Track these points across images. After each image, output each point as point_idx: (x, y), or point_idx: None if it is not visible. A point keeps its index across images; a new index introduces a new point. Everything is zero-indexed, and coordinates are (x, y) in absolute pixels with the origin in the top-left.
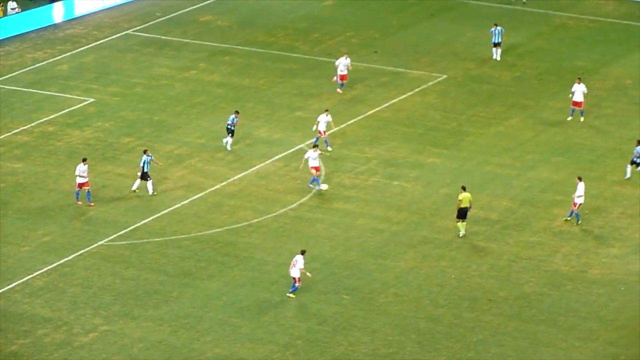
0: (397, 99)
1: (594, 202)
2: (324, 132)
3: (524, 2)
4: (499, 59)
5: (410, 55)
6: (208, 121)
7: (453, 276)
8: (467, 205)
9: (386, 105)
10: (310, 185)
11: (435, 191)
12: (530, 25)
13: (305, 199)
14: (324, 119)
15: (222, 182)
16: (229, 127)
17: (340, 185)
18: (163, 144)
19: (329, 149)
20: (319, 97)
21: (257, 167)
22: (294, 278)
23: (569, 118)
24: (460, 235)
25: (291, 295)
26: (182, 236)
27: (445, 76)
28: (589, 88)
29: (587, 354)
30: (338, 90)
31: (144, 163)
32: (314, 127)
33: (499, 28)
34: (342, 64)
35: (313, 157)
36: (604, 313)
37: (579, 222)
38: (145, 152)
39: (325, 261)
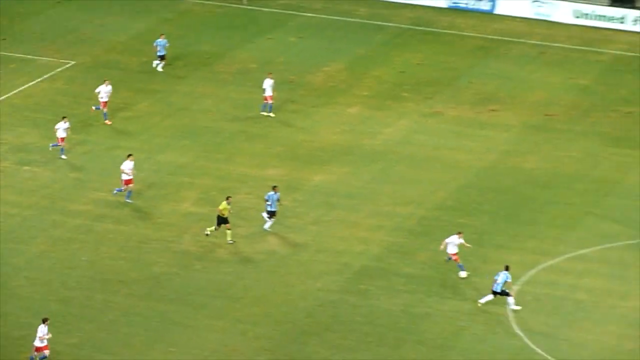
0: (26, 86)
1: (221, 183)
2: None
3: None
4: (160, 70)
5: (38, 42)
6: None
7: (84, 258)
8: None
9: (15, 92)
10: None
11: (65, 176)
12: (157, 11)
13: None
14: None
15: None
16: None
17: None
18: None
19: None
20: None
21: None
22: None
23: (263, 113)
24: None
25: None
26: None
27: (73, 62)
28: (215, 72)
29: (216, 330)
30: None
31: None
32: None
33: (163, 40)
34: None
35: None
36: (232, 291)
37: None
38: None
39: None
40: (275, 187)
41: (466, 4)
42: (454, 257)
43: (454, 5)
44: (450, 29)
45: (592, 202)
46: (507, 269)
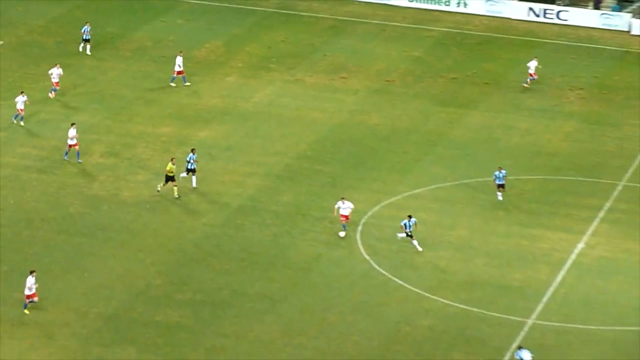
0: None
1: (124, 140)
2: None
3: None
4: (89, 53)
5: None
6: None
7: (12, 201)
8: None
9: None
10: None
11: None
12: None
13: None
14: None
15: None
16: None
17: None
18: None
19: None
20: None
21: None
22: None
23: (172, 84)
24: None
25: None
26: None
27: (1, 42)
28: (117, 49)
29: (121, 259)
30: None
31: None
32: None
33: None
34: None
35: None
36: (133, 227)
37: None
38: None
39: None
40: (193, 149)
41: None
42: (343, 219)
43: None
44: (308, 12)
45: (424, 151)
46: (409, 217)
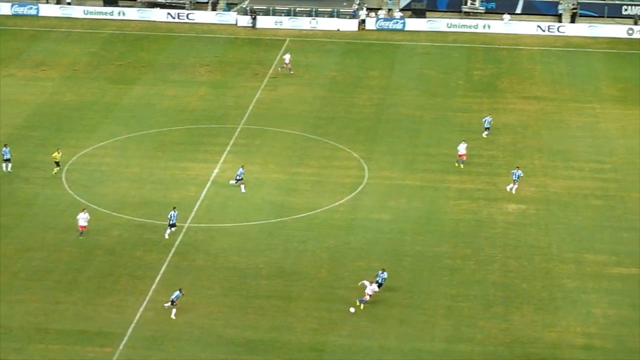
0: None
1: None
2: None
3: None
4: None
5: None
6: None
7: None
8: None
9: None
10: None
11: None
12: None
13: None
14: None
15: None
16: None
17: None
18: None
19: None
20: None
21: None
22: None
23: None
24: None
25: None
26: None
27: None
28: None
29: None
30: None
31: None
32: None
33: None
34: None
35: None
36: None
37: None
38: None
39: None
40: None
41: None
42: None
43: None
44: (14, 26)
45: (104, 116)
46: (174, 208)
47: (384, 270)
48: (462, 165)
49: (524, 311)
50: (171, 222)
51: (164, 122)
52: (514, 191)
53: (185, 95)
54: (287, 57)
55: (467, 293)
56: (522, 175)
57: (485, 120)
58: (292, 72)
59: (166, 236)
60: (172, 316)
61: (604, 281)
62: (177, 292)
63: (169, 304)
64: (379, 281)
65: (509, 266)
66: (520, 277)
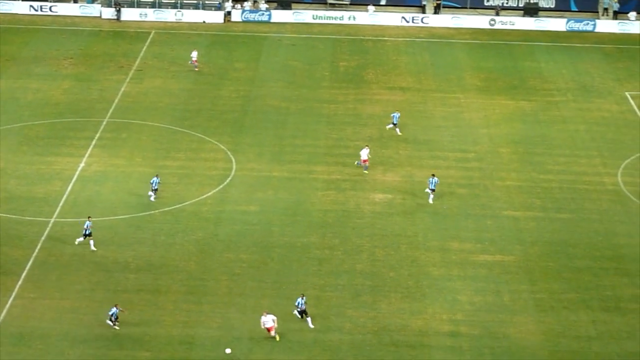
0: None
1: None
2: None
3: None
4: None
5: None
6: None
7: None
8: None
9: None
10: None
11: None
12: None
13: None
14: None
15: None
16: None
17: None
18: None
19: None
20: None
21: None
22: None
23: None
24: None
25: None
26: None
27: None
28: None
29: None
30: None
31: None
32: None
33: None
34: None
35: None
36: None
37: None
38: None
39: None
40: None
41: None
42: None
43: None
44: None
45: None
46: (89, 218)
47: (303, 296)
48: (366, 171)
49: (392, 299)
50: (86, 232)
51: (28, 116)
52: (430, 200)
53: (49, 88)
54: (194, 54)
55: (336, 283)
56: (438, 182)
57: (393, 116)
58: (197, 69)
59: (92, 247)
60: (115, 327)
61: (469, 268)
62: (114, 309)
63: (110, 322)
64: (300, 306)
65: (376, 255)
66: (388, 266)
